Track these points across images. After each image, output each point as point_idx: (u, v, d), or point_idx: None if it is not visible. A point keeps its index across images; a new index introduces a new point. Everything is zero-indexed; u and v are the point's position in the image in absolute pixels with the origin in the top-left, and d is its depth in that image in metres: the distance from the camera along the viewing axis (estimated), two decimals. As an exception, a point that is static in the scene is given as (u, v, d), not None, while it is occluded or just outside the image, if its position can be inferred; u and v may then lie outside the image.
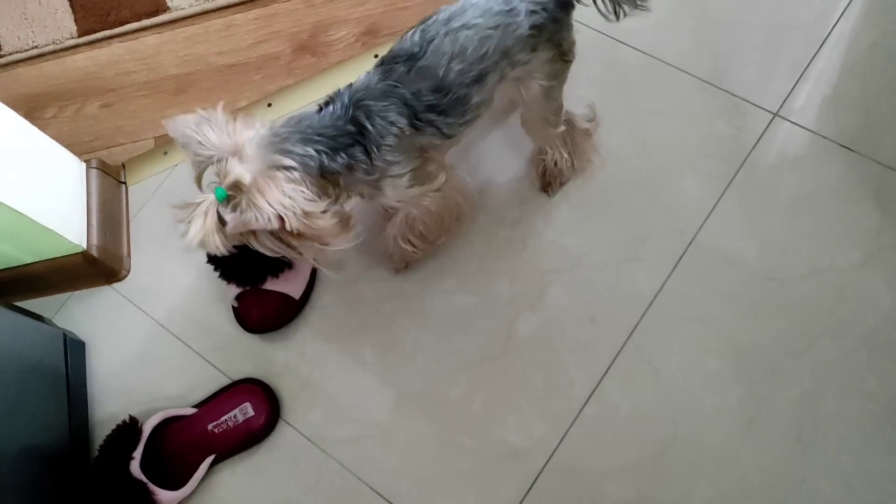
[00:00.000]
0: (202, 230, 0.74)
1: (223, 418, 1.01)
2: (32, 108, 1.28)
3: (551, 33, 0.86)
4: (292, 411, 1.01)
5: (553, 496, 0.92)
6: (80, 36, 1.32)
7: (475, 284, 1.03)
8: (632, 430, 0.93)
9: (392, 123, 0.83)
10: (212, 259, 1.05)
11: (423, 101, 0.83)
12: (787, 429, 0.90)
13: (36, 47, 1.32)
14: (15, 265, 1.09)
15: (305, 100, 1.20)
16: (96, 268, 1.11)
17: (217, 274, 1.05)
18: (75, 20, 1.33)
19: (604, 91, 1.11)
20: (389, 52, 0.85)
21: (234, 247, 0.79)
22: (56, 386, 1.02)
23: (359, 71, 1.17)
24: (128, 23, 1.30)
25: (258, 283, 1.05)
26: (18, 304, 1.09)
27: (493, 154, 1.10)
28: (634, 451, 0.92)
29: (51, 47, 1.32)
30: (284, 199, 0.75)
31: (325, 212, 0.79)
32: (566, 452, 0.93)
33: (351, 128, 0.82)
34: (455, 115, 0.86)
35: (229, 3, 1.29)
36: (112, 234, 1.14)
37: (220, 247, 0.76)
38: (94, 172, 1.15)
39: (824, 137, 1.03)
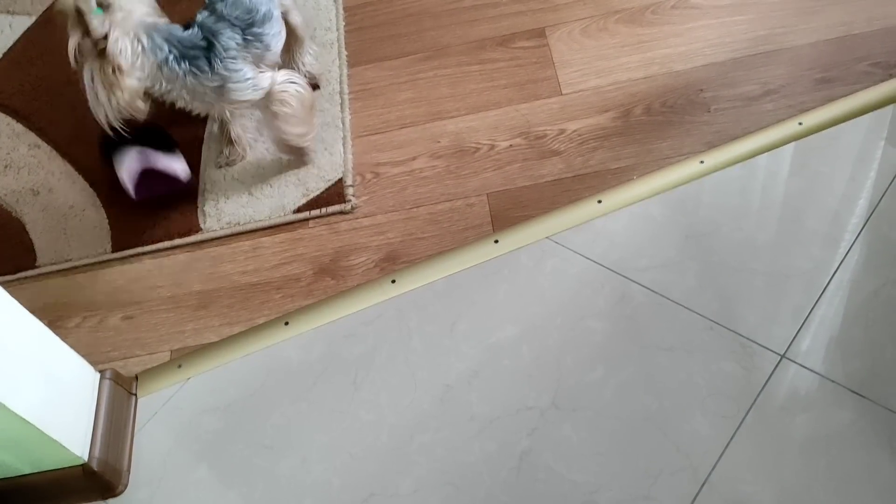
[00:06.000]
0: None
1: None
2: (57, 317, 1.32)
3: None
4: None
5: None
6: (113, 251, 1.39)
7: (481, 519, 1.00)
8: None
9: (230, 39, 1.23)
10: (107, 149, 1.35)
11: (243, 21, 1.24)
12: None
13: (69, 260, 1.39)
14: (11, 476, 1.07)
15: (322, 319, 1.23)
16: (94, 482, 1.08)
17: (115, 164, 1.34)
18: (111, 237, 1.41)
19: (612, 325, 1.14)
20: None
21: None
22: None
23: (376, 294, 1.23)
24: (161, 241, 1.38)
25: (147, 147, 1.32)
26: (8, 517, 1.06)
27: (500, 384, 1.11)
28: None
29: (84, 261, 1.39)
30: (120, 41, 1.15)
31: (133, 77, 1.18)
32: None
33: (202, 43, 1.22)
34: (267, 24, 1.27)
35: (258, 227, 1.37)
36: (115, 447, 1.12)
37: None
38: (106, 383, 1.15)
39: (833, 381, 1.04)
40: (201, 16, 1.25)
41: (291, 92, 1.32)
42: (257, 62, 1.29)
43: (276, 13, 1.32)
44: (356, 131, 1.47)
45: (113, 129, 1.22)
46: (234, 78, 1.25)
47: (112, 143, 1.33)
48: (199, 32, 1.23)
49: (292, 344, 1.22)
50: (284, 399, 1.16)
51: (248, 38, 1.26)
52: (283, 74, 1.33)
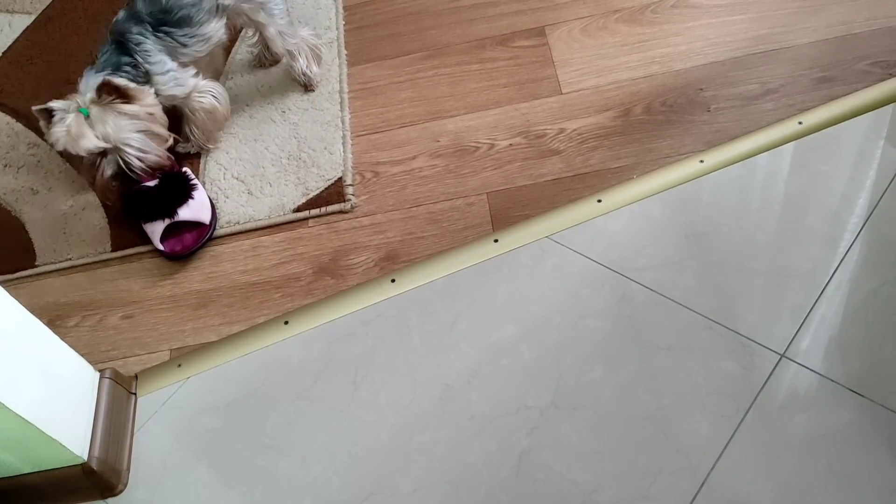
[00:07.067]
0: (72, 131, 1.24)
1: None
2: (56, 317, 1.32)
3: None
4: None
5: None
6: (113, 251, 1.39)
7: (481, 518, 1.00)
8: None
9: (139, 35, 1.29)
10: (129, 212, 1.35)
11: (155, 18, 1.30)
12: None
13: (69, 259, 1.39)
14: (11, 475, 1.07)
15: (322, 319, 1.23)
16: (94, 481, 1.08)
17: (141, 222, 1.36)
18: (111, 236, 1.41)
19: (612, 324, 1.14)
20: None
21: (139, 193, 1.33)
22: None
23: (376, 293, 1.23)
24: (160, 240, 1.38)
25: (172, 214, 1.32)
26: (8, 516, 1.06)
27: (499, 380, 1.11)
28: None
29: (84, 260, 1.39)
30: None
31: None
32: None
33: (112, 47, 1.30)
34: (185, 28, 1.32)
35: (258, 226, 1.37)
36: (114, 446, 1.13)
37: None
38: (106, 382, 1.15)
39: (832, 381, 1.04)
40: (117, 16, 1.32)
41: (205, 104, 1.40)
42: (173, 55, 1.34)
43: (202, 17, 1.34)
44: (356, 130, 1.47)
45: (133, 189, 1.33)
46: (156, 70, 1.32)
47: (135, 204, 1.34)
48: (108, 38, 1.31)
49: (292, 343, 1.22)
50: (284, 398, 1.16)
51: (159, 34, 1.31)
52: (206, 85, 1.39)
